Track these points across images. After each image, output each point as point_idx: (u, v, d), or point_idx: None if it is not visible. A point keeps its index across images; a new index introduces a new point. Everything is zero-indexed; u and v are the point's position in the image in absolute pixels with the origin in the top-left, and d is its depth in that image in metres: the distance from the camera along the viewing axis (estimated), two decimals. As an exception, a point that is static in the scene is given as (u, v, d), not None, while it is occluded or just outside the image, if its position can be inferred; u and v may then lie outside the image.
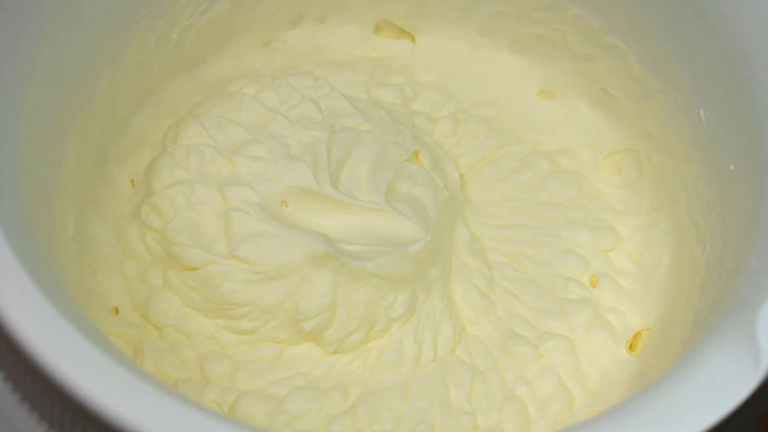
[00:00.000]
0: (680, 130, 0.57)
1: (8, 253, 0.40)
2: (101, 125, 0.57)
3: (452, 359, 0.56)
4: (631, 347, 0.57)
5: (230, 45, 0.64)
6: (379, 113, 0.60)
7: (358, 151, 0.58)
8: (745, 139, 0.49)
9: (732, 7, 0.51)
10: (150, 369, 0.52)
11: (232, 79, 0.62)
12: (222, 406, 0.52)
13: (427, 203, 0.58)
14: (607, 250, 0.60)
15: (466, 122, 0.64)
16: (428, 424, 0.53)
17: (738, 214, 0.49)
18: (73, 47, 0.52)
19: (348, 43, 0.66)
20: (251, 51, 0.64)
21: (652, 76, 0.59)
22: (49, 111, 0.51)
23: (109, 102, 0.57)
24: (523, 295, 0.58)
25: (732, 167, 0.51)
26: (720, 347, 0.39)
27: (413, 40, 0.67)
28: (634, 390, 0.53)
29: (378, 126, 0.60)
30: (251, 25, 0.64)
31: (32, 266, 0.41)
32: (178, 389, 0.52)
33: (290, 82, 0.61)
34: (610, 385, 0.56)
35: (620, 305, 0.58)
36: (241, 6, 0.62)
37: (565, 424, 0.54)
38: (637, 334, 0.58)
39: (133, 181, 0.59)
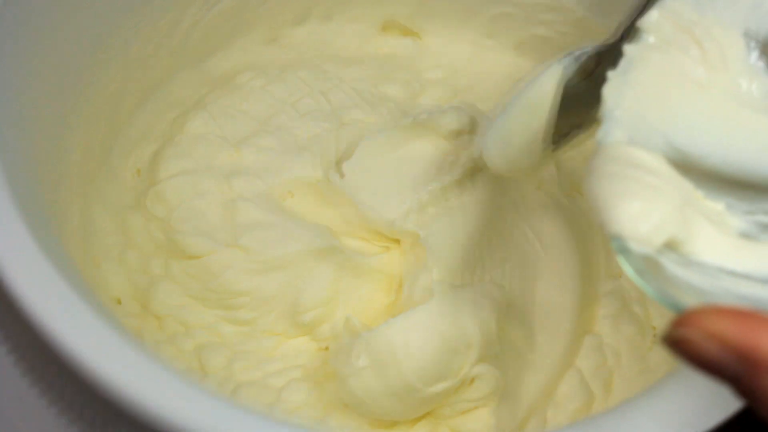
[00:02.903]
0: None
1: (27, 238, 0.40)
2: (108, 117, 0.57)
3: None
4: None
5: (237, 41, 0.64)
6: (387, 106, 0.61)
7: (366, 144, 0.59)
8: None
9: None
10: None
11: (240, 72, 0.62)
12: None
13: None
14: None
15: None
16: (432, 422, 0.53)
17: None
18: (79, 39, 0.52)
19: (354, 40, 0.66)
20: (258, 47, 0.65)
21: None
22: (56, 102, 0.51)
23: (116, 94, 0.57)
24: None
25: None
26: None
27: (419, 38, 0.67)
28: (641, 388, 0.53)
29: (386, 119, 0.60)
30: (257, 23, 0.64)
31: (46, 246, 0.41)
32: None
33: (298, 74, 0.61)
34: (621, 380, 0.55)
35: (642, 296, 0.57)
36: (247, 3, 0.62)
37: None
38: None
39: (139, 170, 0.59)
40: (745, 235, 0.37)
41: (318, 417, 0.51)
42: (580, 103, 0.48)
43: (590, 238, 0.58)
